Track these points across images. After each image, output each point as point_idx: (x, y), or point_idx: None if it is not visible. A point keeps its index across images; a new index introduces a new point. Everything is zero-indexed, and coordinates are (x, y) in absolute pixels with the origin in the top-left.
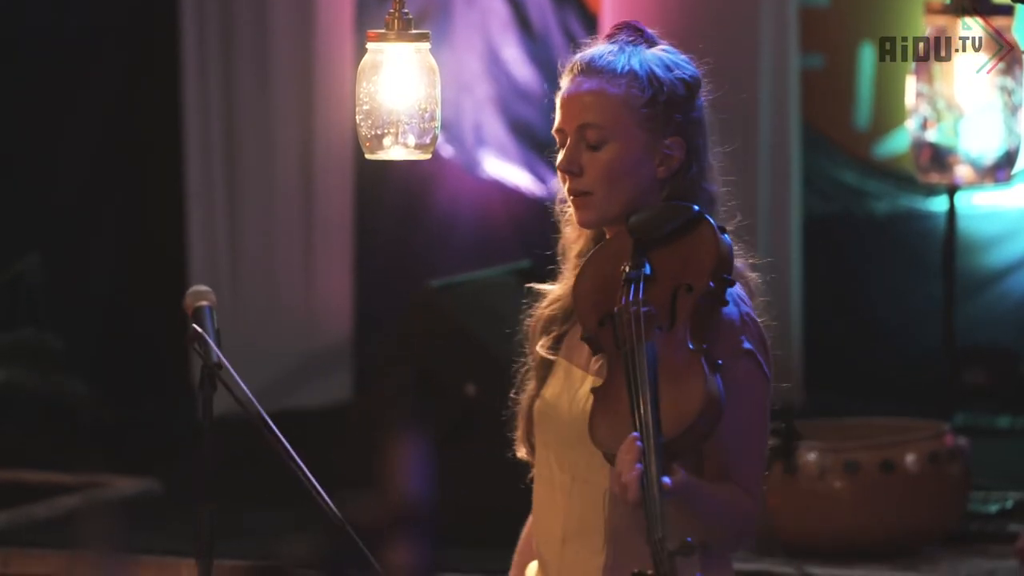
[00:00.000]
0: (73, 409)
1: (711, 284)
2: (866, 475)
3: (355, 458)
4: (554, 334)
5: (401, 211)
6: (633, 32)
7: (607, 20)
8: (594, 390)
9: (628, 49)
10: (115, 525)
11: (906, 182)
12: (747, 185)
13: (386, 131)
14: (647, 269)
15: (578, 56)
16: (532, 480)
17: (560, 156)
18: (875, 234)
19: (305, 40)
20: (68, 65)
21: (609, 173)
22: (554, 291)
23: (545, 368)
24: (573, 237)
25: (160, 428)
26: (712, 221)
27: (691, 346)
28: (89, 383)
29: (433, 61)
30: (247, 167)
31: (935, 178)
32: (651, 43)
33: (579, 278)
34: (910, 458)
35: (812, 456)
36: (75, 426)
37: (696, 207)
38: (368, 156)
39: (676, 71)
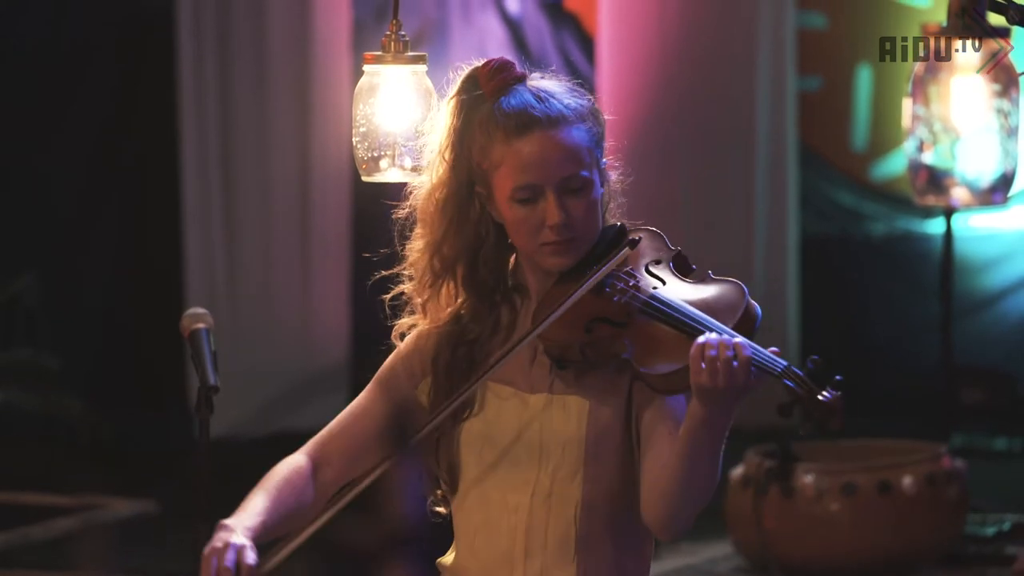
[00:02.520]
0: (71, 428)
1: (677, 250)
2: (863, 497)
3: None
4: (460, 362)
5: (399, 231)
6: (514, 67)
7: (604, 42)
8: (633, 361)
9: (551, 86)
10: (111, 546)
11: (903, 204)
12: (745, 205)
13: (383, 153)
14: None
15: (520, 110)
16: (448, 504)
17: (532, 211)
18: (872, 255)
19: (302, 61)
20: (64, 87)
21: (591, 214)
22: (441, 321)
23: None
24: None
25: (157, 446)
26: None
27: (693, 267)
28: (86, 402)
29: (430, 83)
30: (245, 187)
31: (932, 200)
32: (527, 75)
33: (545, 333)
34: (907, 480)
35: (809, 478)
36: (73, 445)
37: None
38: (365, 178)
39: (585, 97)
